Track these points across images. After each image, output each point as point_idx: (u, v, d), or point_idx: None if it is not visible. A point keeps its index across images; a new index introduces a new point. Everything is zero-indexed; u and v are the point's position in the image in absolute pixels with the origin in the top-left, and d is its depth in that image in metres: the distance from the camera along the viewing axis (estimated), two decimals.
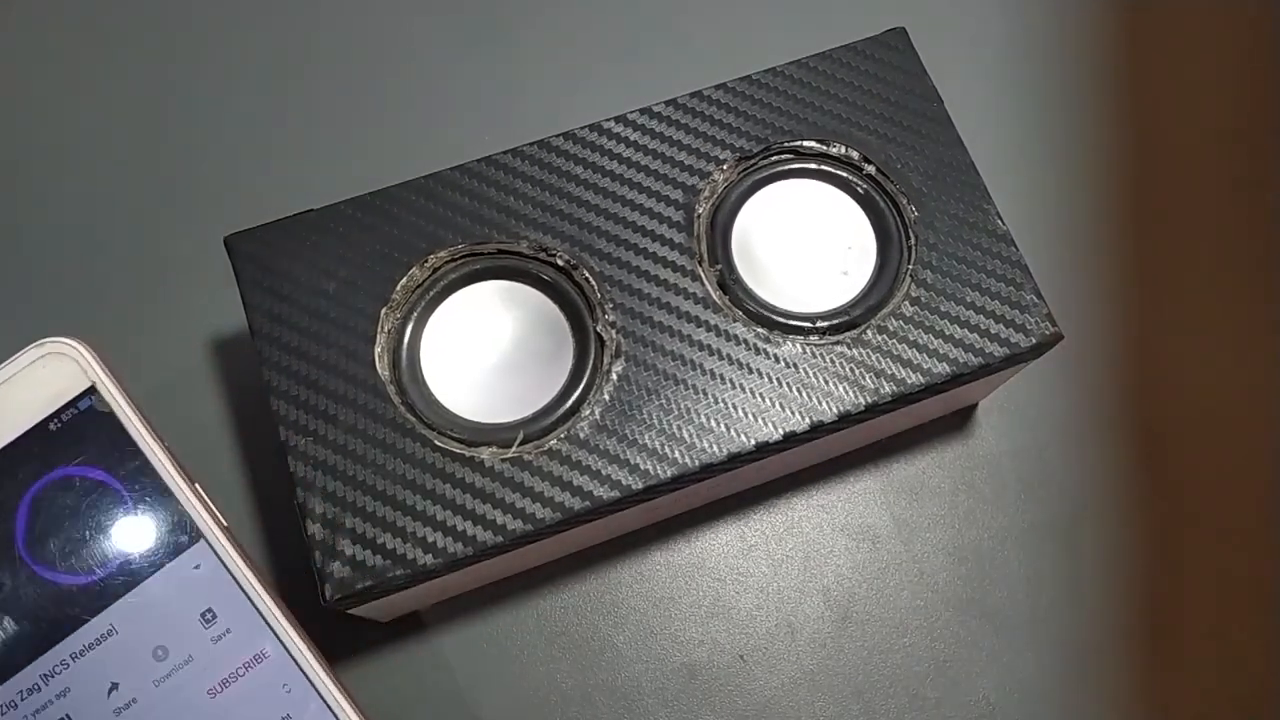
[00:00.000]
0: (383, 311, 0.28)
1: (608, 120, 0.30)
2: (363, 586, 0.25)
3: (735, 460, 0.27)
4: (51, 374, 0.27)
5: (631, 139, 0.30)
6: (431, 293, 0.28)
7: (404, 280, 0.28)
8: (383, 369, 0.27)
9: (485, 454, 0.27)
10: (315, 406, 0.27)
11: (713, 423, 0.27)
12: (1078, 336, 0.36)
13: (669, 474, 0.26)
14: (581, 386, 0.27)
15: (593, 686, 0.31)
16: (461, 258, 0.29)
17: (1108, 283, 0.37)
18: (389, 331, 0.28)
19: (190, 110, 0.38)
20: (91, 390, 0.27)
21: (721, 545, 0.33)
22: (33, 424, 0.27)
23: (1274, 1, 0.41)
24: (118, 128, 0.37)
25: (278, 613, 0.26)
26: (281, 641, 0.26)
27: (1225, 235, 0.37)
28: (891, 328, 0.28)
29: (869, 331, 0.28)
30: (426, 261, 0.28)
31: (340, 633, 0.31)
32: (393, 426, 0.27)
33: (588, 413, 0.27)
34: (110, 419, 0.27)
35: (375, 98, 0.38)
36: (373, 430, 0.27)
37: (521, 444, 0.27)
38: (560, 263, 0.29)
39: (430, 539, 0.26)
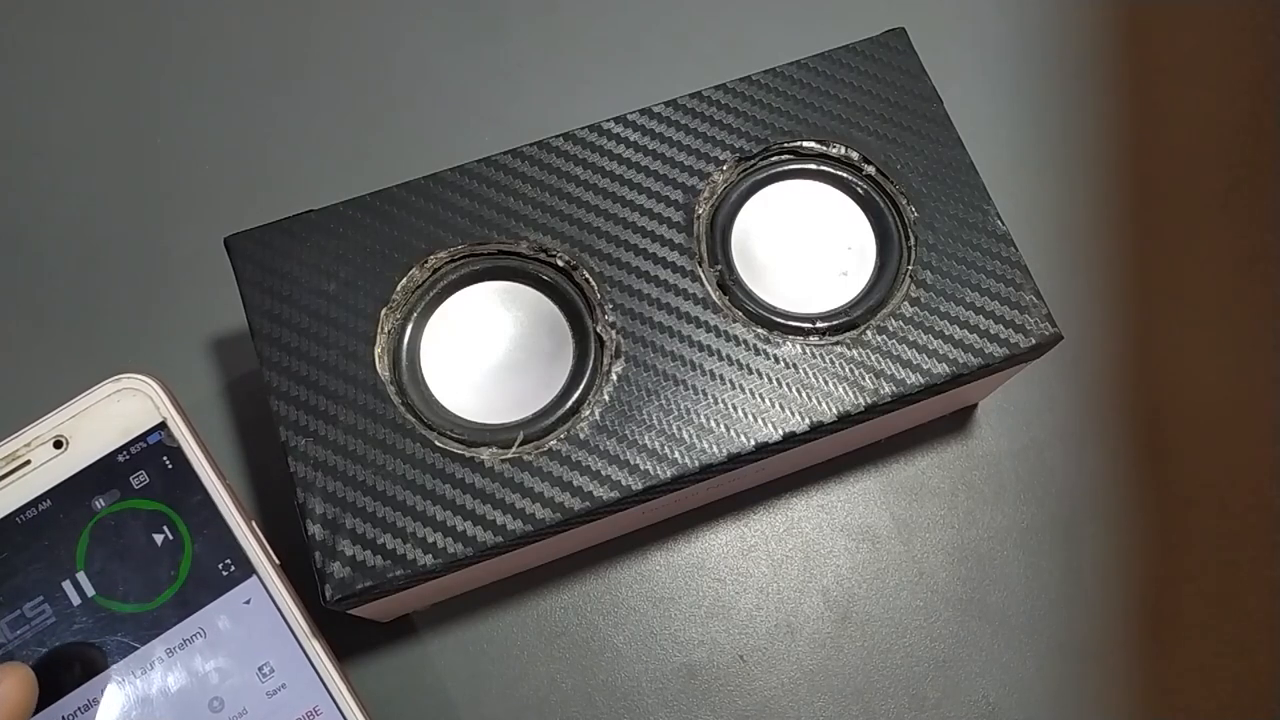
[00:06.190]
0: (383, 312, 0.28)
1: (607, 120, 0.30)
2: (363, 587, 0.25)
3: (735, 461, 0.27)
4: (125, 408, 0.28)
5: (631, 139, 0.30)
6: (431, 293, 0.28)
7: (404, 280, 0.28)
8: (383, 369, 0.27)
9: (485, 454, 0.27)
10: (315, 407, 0.27)
11: (712, 423, 0.27)
12: (1077, 336, 0.36)
13: (669, 474, 0.26)
14: (581, 387, 0.27)
15: (593, 686, 0.31)
16: (461, 258, 0.29)
17: (1107, 283, 0.37)
18: (389, 332, 0.28)
19: (190, 110, 0.38)
20: (162, 426, 0.28)
21: (721, 545, 0.33)
22: (103, 454, 0.28)
23: (1274, 1, 0.41)
24: (118, 128, 0.37)
25: (330, 666, 0.27)
26: (334, 699, 0.27)
27: (1224, 235, 0.37)
28: (891, 328, 0.28)
29: (869, 332, 0.28)
30: (426, 262, 0.28)
31: (340, 633, 0.31)
32: (393, 427, 0.27)
33: (588, 413, 0.27)
34: (177, 453, 0.28)
35: (375, 98, 0.38)
36: (373, 430, 0.27)
37: (521, 444, 0.27)
38: (560, 263, 0.28)
39: (430, 539, 0.26)
